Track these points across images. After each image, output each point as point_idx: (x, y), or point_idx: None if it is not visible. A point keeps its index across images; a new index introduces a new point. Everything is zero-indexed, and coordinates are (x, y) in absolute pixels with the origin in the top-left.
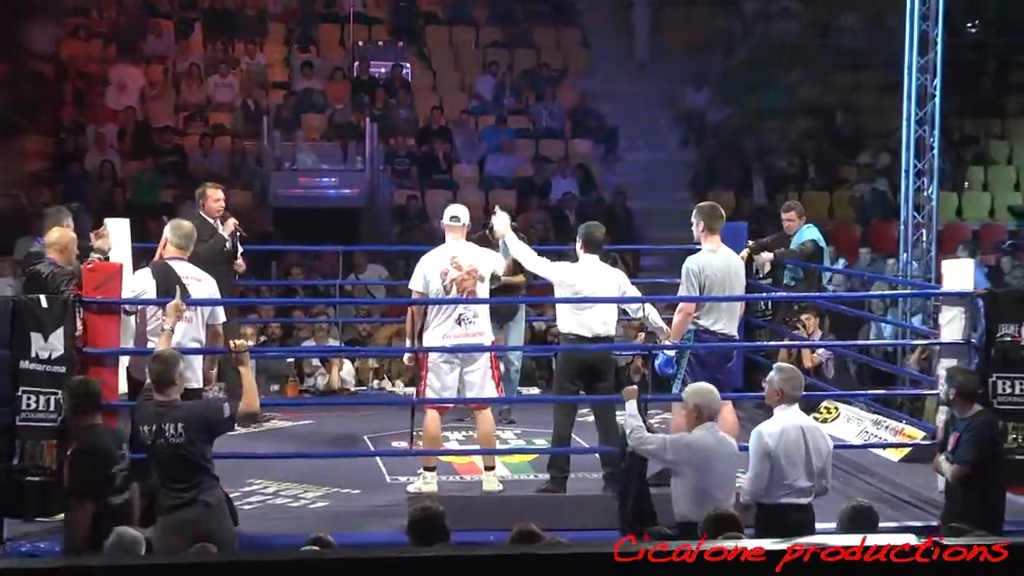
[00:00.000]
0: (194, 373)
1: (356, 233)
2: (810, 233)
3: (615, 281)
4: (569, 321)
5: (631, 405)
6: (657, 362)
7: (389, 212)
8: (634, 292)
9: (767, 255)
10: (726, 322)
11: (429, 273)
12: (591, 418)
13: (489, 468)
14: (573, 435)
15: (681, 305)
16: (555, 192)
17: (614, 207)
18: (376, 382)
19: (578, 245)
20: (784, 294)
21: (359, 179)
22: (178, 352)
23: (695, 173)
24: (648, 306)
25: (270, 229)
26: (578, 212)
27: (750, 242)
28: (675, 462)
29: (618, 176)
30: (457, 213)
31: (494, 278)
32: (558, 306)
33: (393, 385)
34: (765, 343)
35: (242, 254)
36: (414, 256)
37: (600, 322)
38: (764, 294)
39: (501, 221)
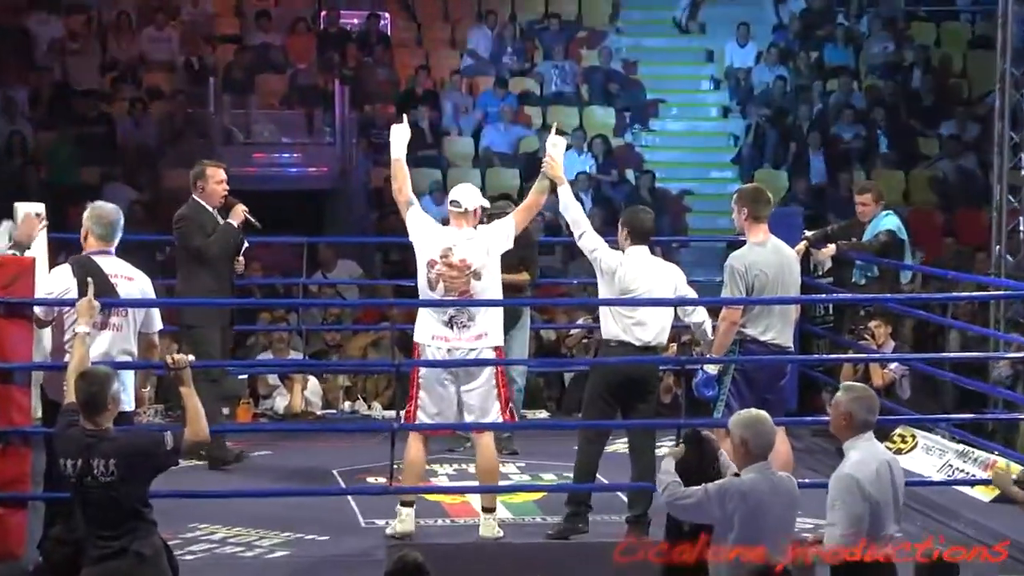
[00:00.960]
0: (127, 394)
1: (324, 221)
2: (889, 222)
3: (672, 280)
4: (614, 325)
5: (669, 462)
6: (695, 381)
7: (364, 196)
8: (692, 294)
9: (829, 249)
10: (778, 330)
11: (421, 249)
12: (623, 447)
13: (488, 510)
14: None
15: (724, 312)
16: (568, 172)
17: (640, 189)
18: (348, 403)
19: (621, 235)
20: (848, 295)
21: (327, 155)
22: (111, 369)
23: (740, 148)
24: (703, 311)
25: None
26: (596, 196)
27: (807, 232)
28: (724, 518)
29: (645, 151)
30: (459, 196)
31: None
32: (603, 309)
33: (369, 407)
34: (825, 356)
35: (245, 249)
36: (394, 249)
37: (654, 329)
38: (824, 296)
39: (557, 149)
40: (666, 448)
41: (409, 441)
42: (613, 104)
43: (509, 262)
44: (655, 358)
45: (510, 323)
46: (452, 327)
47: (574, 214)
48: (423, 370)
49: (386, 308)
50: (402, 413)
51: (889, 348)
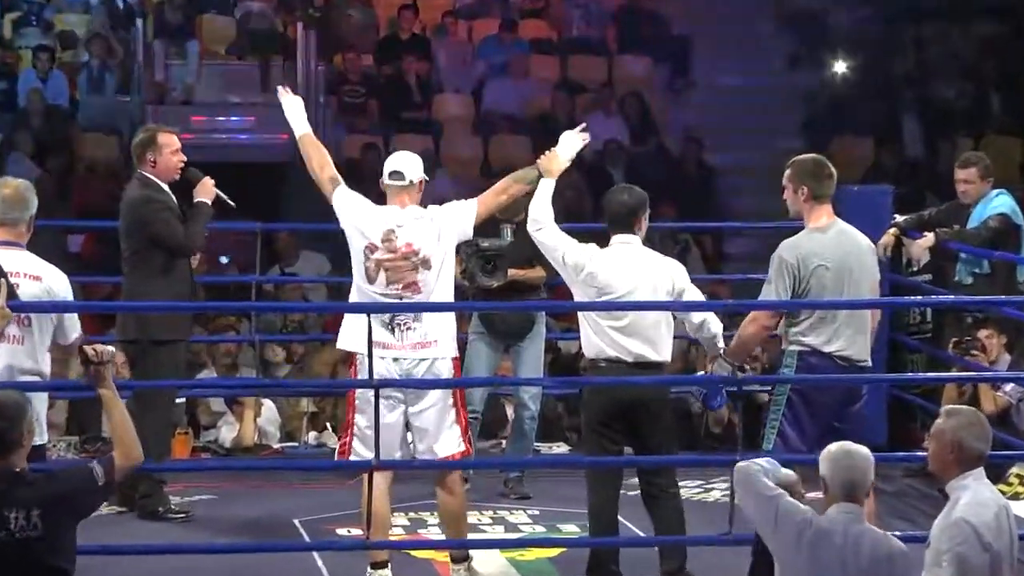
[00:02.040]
0: (40, 423)
1: (283, 202)
2: (1001, 204)
3: (663, 278)
4: (595, 340)
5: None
6: (697, 391)
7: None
8: (693, 294)
9: (926, 239)
10: (849, 339)
11: (357, 233)
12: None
13: (459, 560)
14: (620, 517)
15: (753, 314)
16: (593, 138)
17: (684, 162)
18: (313, 434)
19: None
20: (949, 298)
21: (286, 119)
22: (23, 394)
23: (811, 109)
24: (713, 318)
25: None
26: (628, 168)
27: (898, 217)
28: (780, 548)
29: (691, 113)
30: (399, 165)
31: (489, 259)
32: (580, 318)
33: (339, 439)
34: (922, 375)
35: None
36: None
37: (643, 340)
38: (919, 298)
39: (571, 149)
40: (716, 488)
41: (364, 487)
42: (650, 53)
43: (519, 256)
44: (667, 378)
45: (521, 332)
46: (393, 330)
47: (540, 211)
48: (358, 388)
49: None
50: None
51: (1004, 364)
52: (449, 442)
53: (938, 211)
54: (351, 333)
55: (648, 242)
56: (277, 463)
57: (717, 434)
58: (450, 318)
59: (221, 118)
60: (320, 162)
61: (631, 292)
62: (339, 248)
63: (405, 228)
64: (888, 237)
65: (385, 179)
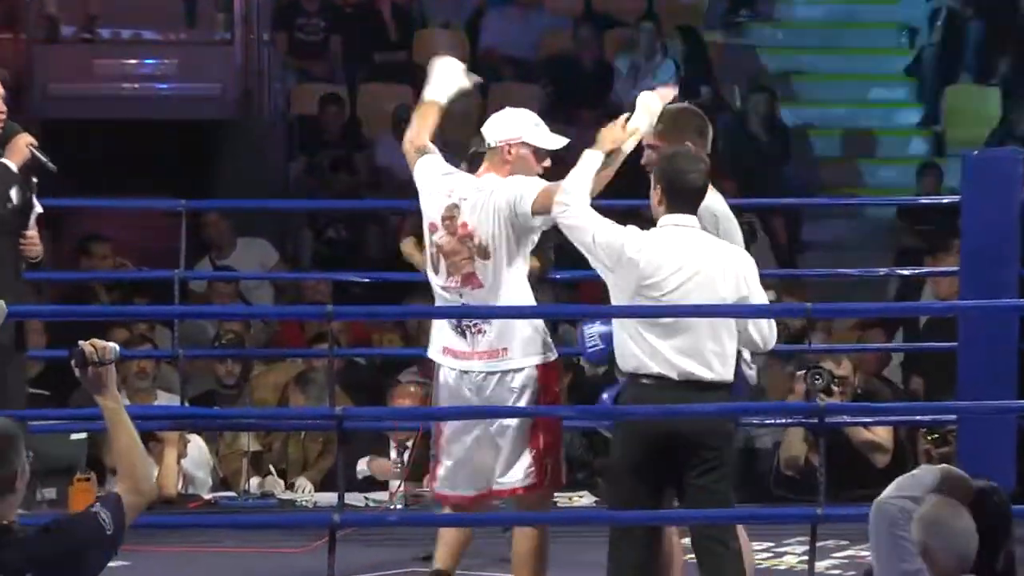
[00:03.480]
0: None
1: (214, 174)
2: None
3: (726, 270)
4: (632, 348)
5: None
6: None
7: (283, 132)
8: (758, 295)
9: None
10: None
11: (425, 210)
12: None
13: None
14: None
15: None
16: (627, 89)
17: (748, 119)
18: (255, 481)
19: (654, 197)
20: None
21: (220, 62)
22: (14, 424)
23: (921, 50)
24: (764, 328)
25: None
26: None
27: None
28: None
29: (760, 55)
30: (485, 128)
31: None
32: (615, 321)
33: (290, 487)
34: None
35: (40, 215)
36: (335, 221)
37: (692, 351)
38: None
39: (645, 109)
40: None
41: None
42: None
43: None
44: (719, 407)
45: None
46: (464, 332)
47: (575, 189)
48: (442, 397)
49: (321, 318)
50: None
51: None
52: (516, 472)
53: None
54: (432, 337)
55: None
56: (208, 518)
57: (791, 479)
58: (522, 322)
59: (132, 61)
60: (419, 130)
61: (681, 289)
62: (288, 233)
63: (467, 203)
64: None
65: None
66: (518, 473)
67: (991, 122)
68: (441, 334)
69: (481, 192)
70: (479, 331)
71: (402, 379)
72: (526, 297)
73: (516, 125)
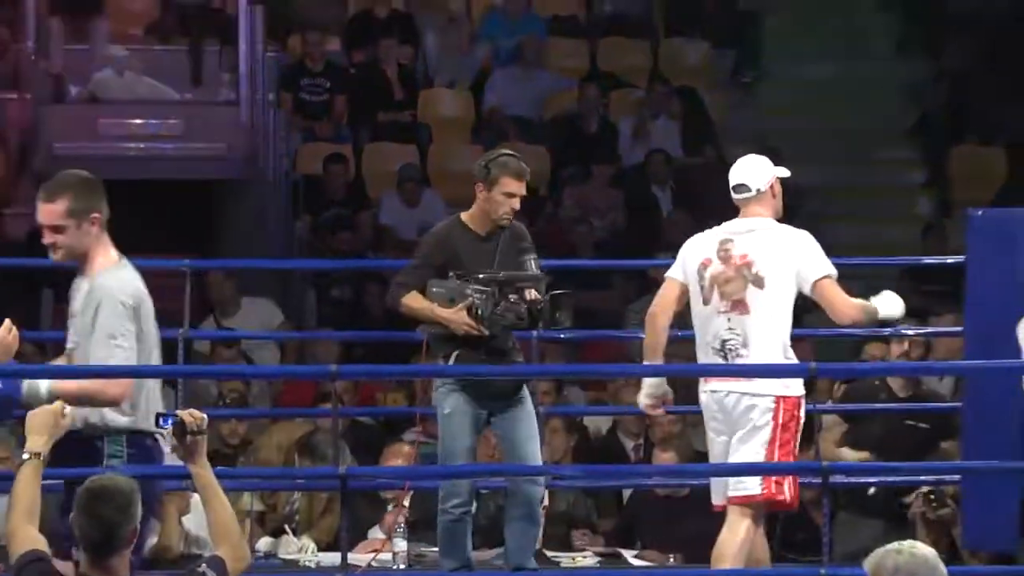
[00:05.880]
0: None
1: (219, 233)
2: None
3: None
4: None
5: None
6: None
7: (288, 191)
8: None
9: None
10: None
11: (689, 259)
12: None
13: None
14: None
15: None
16: (630, 147)
17: None
18: (264, 540)
19: None
20: None
21: (225, 122)
22: (134, 481)
23: (925, 106)
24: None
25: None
26: (678, 187)
27: None
28: None
29: (763, 115)
30: (743, 178)
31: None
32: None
33: (297, 546)
34: None
35: None
36: (339, 280)
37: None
38: None
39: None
40: None
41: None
42: (708, 35)
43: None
44: None
45: (506, 392)
46: (726, 355)
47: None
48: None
49: (325, 377)
50: (354, 557)
51: None
52: (751, 480)
53: None
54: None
55: None
56: None
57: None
58: (778, 348)
59: (138, 121)
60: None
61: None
62: (292, 293)
63: (743, 237)
64: None
65: (731, 192)
66: (753, 481)
67: (996, 183)
68: (706, 358)
69: (762, 231)
70: (737, 355)
71: (405, 438)
72: (783, 332)
73: (767, 166)
